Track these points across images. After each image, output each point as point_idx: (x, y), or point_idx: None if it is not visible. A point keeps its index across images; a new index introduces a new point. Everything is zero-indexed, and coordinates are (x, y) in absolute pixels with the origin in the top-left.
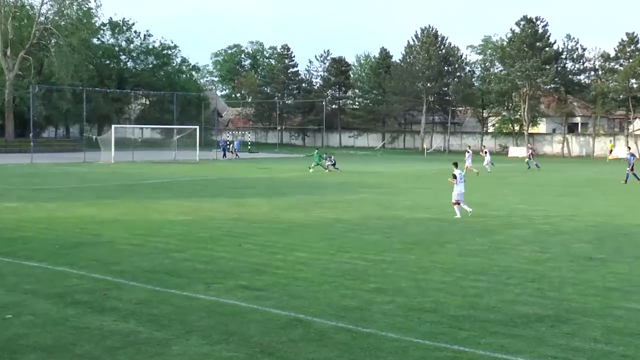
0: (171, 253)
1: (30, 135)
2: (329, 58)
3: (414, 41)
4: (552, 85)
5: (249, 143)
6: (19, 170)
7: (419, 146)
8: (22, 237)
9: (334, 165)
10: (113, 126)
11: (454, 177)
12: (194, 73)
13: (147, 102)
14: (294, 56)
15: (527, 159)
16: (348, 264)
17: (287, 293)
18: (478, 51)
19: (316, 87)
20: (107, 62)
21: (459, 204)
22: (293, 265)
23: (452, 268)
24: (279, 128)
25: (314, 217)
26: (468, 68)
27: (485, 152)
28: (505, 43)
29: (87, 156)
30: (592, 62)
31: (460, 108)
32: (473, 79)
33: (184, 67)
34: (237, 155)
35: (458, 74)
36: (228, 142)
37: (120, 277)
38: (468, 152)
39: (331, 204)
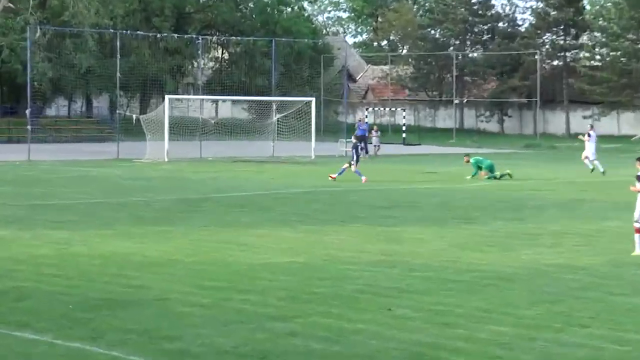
0: (268, 322)
1: (27, 112)
2: None
3: None
4: None
5: (403, 128)
6: (8, 172)
7: None
8: (14, 290)
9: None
10: (167, 97)
11: None
12: (306, 5)
13: (225, 56)
14: None
15: None
16: (587, 350)
17: None
18: None
19: (523, 30)
20: None
21: None
22: (485, 349)
23: None
24: (456, 101)
25: (523, 262)
26: None
27: None
28: None
29: (122, 149)
30: None
31: None
32: None
33: None
34: (365, 151)
35: None
36: (373, 129)
37: None
38: None
39: (553, 237)
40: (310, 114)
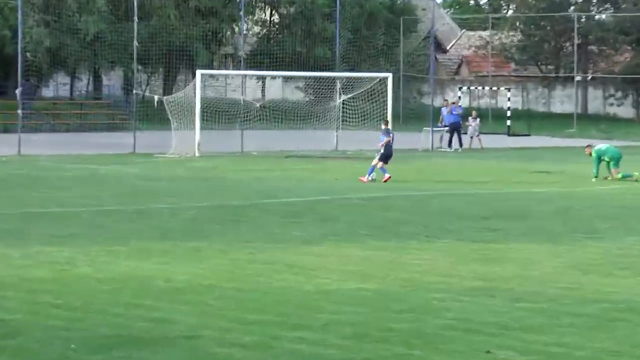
0: None
1: (17, 92)
2: None
3: None
4: None
5: (508, 114)
6: None
7: None
8: (1, 325)
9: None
10: (198, 73)
11: None
12: None
13: (275, 19)
14: None
15: None
16: None
17: None
18: None
19: None
20: None
21: None
22: None
23: None
24: (578, 78)
25: None
26: None
27: None
28: None
29: (139, 140)
30: None
31: None
32: None
33: None
34: (460, 143)
35: None
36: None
37: None
38: None
39: None
40: (386, 94)
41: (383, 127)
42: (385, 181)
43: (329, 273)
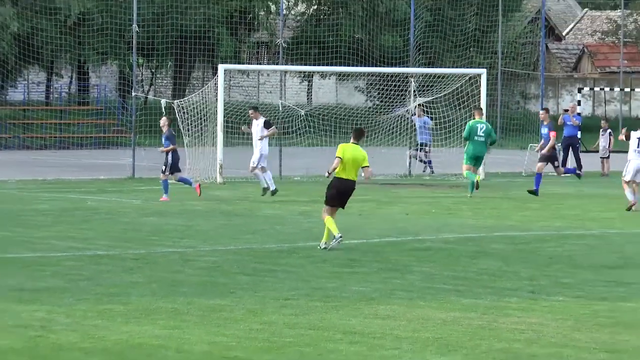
0: None
1: None
2: None
3: None
4: None
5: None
6: None
7: None
8: None
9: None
10: (221, 67)
11: None
12: None
13: None
14: None
15: None
16: None
17: None
18: None
19: None
20: None
21: None
22: None
23: None
24: None
25: None
26: None
27: None
28: None
29: (140, 160)
30: None
31: None
32: None
33: None
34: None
35: None
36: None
37: None
38: None
39: None
40: (478, 97)
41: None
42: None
43: (398, 342)
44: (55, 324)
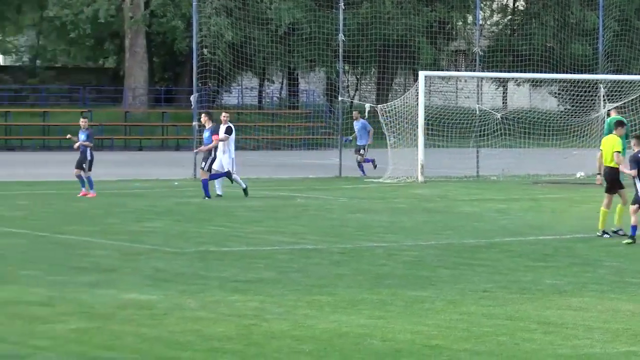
0: None
1: (192, 99)
2: None
3: None
4: None
5: None
6: (163, 199)
7: None
8: None
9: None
10: (422, 74)
11: None
12: None
13: (521, 5)
14: None
15: None
16: None
17: None
18: None
19: None
20: None
21: None
22: None
23: None
24: None
25: None
26: None
27: None
28: None
29: (347, 161)
30: None
31: None
32: None
33: None
34: None
35: None
36: None
37: None
38: None
39: None
40: None
41: None
42: None
43: (589, 332)
44: (267, 313)
